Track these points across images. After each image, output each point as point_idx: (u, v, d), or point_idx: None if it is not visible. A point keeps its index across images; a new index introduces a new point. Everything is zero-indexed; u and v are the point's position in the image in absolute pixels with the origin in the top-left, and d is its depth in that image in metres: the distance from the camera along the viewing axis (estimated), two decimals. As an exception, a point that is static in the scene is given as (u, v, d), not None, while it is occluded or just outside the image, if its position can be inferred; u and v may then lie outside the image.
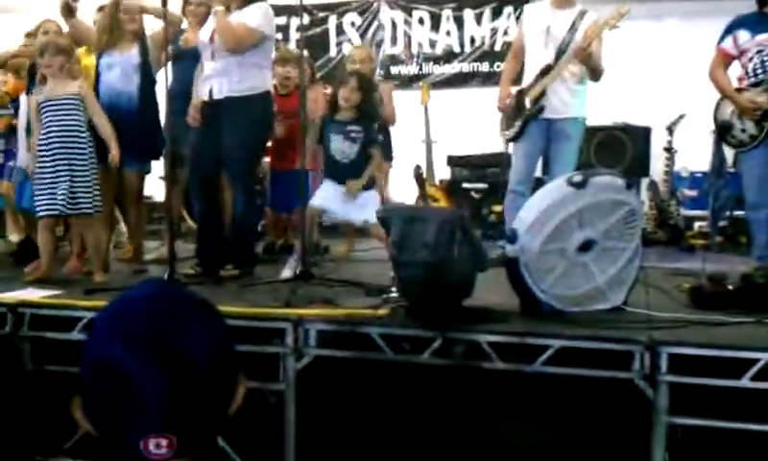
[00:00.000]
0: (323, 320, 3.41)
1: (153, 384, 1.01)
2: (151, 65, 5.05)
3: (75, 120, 4.44)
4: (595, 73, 4.88)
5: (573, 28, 4.84)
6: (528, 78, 5.02)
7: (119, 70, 4.97)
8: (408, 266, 3.42)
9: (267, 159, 5.81)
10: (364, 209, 4.70)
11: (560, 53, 4.85)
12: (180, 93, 4.75)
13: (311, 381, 3.40)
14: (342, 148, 4.81)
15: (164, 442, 1.02)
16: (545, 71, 4.89)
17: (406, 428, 3.34)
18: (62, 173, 4.33)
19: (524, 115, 4.97)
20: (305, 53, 5.18)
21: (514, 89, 5.12)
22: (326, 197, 4.85)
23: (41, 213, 4.42)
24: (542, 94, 4.89)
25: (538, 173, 5.33)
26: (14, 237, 5.87)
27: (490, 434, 3.28)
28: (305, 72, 4.99)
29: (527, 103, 4.95)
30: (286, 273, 4.44)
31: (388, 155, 6.16)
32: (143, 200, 5.38)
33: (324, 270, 4.57)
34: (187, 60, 4.95)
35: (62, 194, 4.31)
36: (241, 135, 4.56)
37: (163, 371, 1.01)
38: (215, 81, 4.55)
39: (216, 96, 4.55)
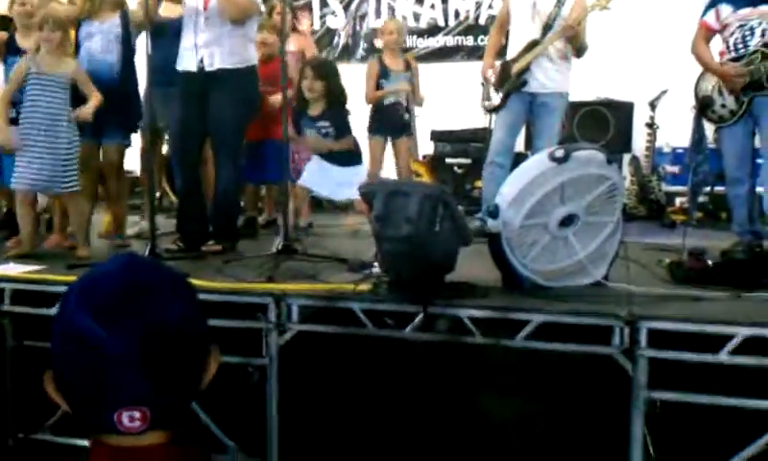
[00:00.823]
0: (305, 295, 3.42)
1: (124, 355, 1.00)
2: (131, 36, 4.99)
3: (62, 99, 4.39)
4: (580, 51, 4.92)
5: (560, 2, 4.85)
6: (513, 50, 5.02)
7: (99, 39, 4.90)
8: (390, 241, 3.42)
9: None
10: (348, 187, 4.69)
11: (546, 28, 4.87)
12: (161, 66, 4.69)
13: (294, 356, 3.41)
14: (314, 142, 4.82)
15: (137, 414, 1.03)
16: (531, 46, 4.89)
17: (388, 404, 3.36)
18: (43, 149, 4.29)
19: (507, 87, 4.98)
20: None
21: (498, 62, 5.12)
22: (312, 176, 4.84)
23: (14, 185, 4.40)
24: (527, 68, 4.88)
25: (519, 148, 5.33)
26: None
27: (471, 409, 3.30)
28: (288, 21, 5.01)
29: (511, 75, 4.94)
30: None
31: (409, 130, 6.19)
32: (124, 173, 5.33)
33: (306, 245, 4.56)
34: (169, 33, 4.88)
35: (38, 169, 4.28)
36: (232, 109, 4.54)
37: (133, 341, 1.01)
38: (205, 51, 4.49)
39: (207, 68, 4.50)
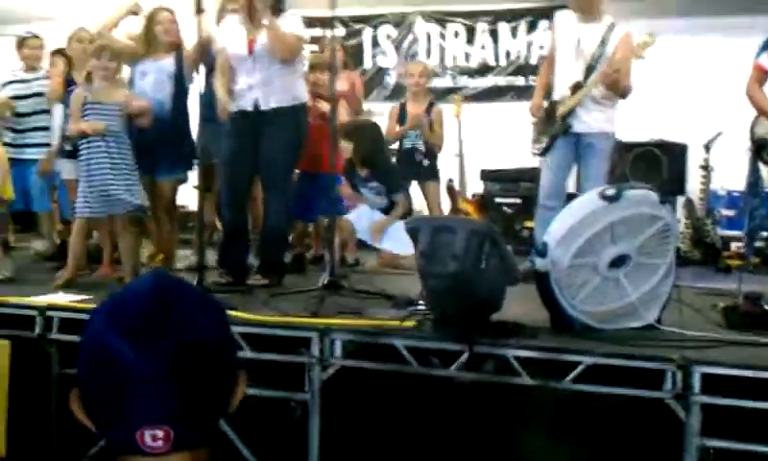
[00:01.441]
0: (348, 330, 3.39)
1: (149, 373, 0.99)
2: (185, 75, 5.09)
3: (119, 126, 4.51)
4: (624, 94, 4.85)
5: (603, 43, 4.80)
6: (558, 90, 4.97)
7: (152, 78, 5.03)
8: (436, 277, 3.38)
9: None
10: (393, 241, 4.75)
11: (589, 69, 4.81)
12: (214, 104, 4.77)
13: (336, 392, 3.38)
14: (372, 200, 4.88)
15: (160, 434, 1.00)
16: (575, 88, 4.85)
17: (431, 443, 3.29)
18: (101, 176, 4.40)
19: (552, 131, 4.94)
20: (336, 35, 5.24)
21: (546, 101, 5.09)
22: (358, 219, 4.88)
23: (77, 214, 4.53)
24: (571, 111, 4.85)
25: (572, 188, 5.26)
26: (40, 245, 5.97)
27: (516, 451, 3.22)
28: (339, 57, 5.18)
29: (556, 118, 4.92)
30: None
31: (435, 176, 6.24)
32: (176, 209, 5.41)
33: (353, 281, 4.54)
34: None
35: (99, 195, 4.41)
36: (285, 145, 4.61)
37: (159, 360, 1.00)
38: (259, 92, 4.56)
39: (262, 108, 4.57)
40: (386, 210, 5.01)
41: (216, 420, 1.09)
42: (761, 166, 4.82)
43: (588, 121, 4.86)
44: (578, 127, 4.88)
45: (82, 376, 1.05)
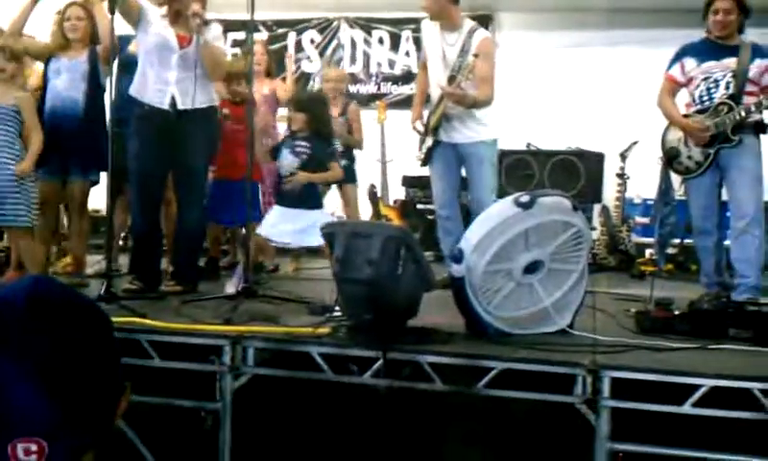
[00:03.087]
0: (261, 338, 3.32)
1: (21, 383, 0.94)
2: (99, 73, 4.94)
3: (6, 132, 4.33)
4: (473, 106, 4.68)
5: (464, 50, 4.67)
6: (433, 100, 4.93)
7: (66, 76, 4.89)
8: (351, 283, 3.35)
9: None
10: (310, 235, 4.63)
11: (451, 79, 4.69)
12: (129, 104, 4.63)
13: (249, 401, 3.30)
14: (286, 162, 4.77)
15: (34, 447, 0.95)
16: (440, 100, 4.78)
17: (346, 451, 3.25)
18: None
19: (426, 144, 4.89)
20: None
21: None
22: (274, 224, 4.77)
23: None
24: (440, 121, 4.76)
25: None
26: None
27: (431, 457, 3.20)
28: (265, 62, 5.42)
29: (428, 134, 4.87)
30: (229, 289, 4.33)
31: (352, 178, 6.14)
32: (87, 211, 5.23)
33: (268, 288, 4.46)
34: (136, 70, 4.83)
35: None
36: (201, 147, 4.52)
37: (32, 368, 0.95)
38: (177, 90, 4.43)
39: (180, 106, 4.44)
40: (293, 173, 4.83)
41: (96, 433, 1.03)
42: (672, 175, 4.93)
43: (464, 131, 4.76)
44: (454, 137, 4.79)
45: None
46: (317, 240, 4.65)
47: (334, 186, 6.00)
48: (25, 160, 4.40)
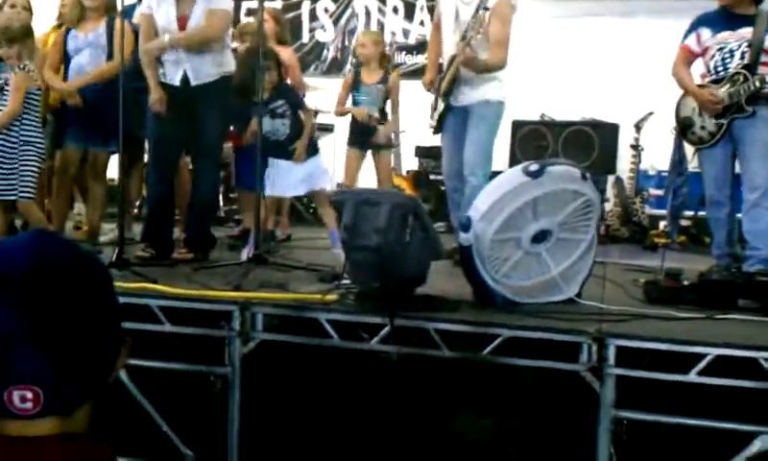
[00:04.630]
0: (270, 304, 3.35)
1: (18, 331, 0.96)
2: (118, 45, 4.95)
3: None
4: (485, 70, 4.52)
5: (478, 10, 4.46)
6: (444, 61, 4.76)
7: (87, 51, 4.95)
8: (359, 250, 3.37)
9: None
10: (309, 180, 4.69)
11: (464, 40, 4.49)
12: (137, 73, 4.65)
13: (258, 366, 3.34)
14: (275, 127, 4.75)
15: (29, 395, 0.97)
16: (450, 61, 4.62)
17: (353, 416, 3.29)
18: None
19: (438, 111, 4.76)
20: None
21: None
22: (273, 183, 4.78)
23: None
24: (452, 85, 4.62)
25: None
26: None
27: (436, 422, 3.23)
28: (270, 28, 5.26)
29: (439, 99, 4.73)
30: (243, 257, 4.37)
31: (389, 144, 6.08)
32: (105, 180, 5.29)
33: (279, 256, 4.50)
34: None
35: None
36: (215, 118, 4.54)
37: (30, 318, 0.96)
38: (188, 66, 4.46)
39: (193, 82, 4.48)
40: (292, 136, 4.81)
41: (93, 386, 1.05)
42: (686, 146, 4.89)
43: (471, 93, 4.59)
44: (462, 100, 4.63)
45: None
46: (324, 182, 4.73)
47: (370, 154, 5.93)
48: None
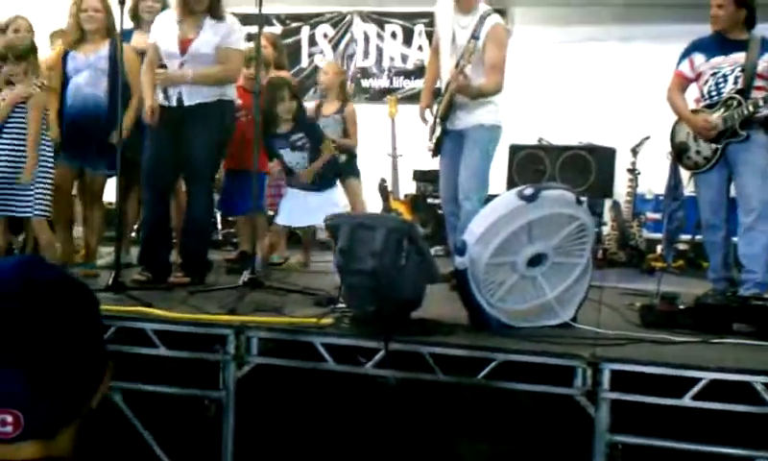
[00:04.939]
0: (265, 328, 3.35)
1: None
2: (119, 67, 4.96)
3: (20, 124, 4.40)
4: (478, 96, 4.52)
5: (474, 36, 4.49)
6: (442, 85, 4.77)
7: (87, 73, 4.91)
8: (354, 274, 3.37)
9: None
10: (324, 211, 4.70)
11: (458, 65, 4.51)
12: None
13: (252, 390, 3.34)
14: (295, 159, 4.80)
15: (9, 418, 0.98)
16: (447, 86, 4.63)
17: (347, 441, 3.28)
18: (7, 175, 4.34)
19: (436, 135, 4.76)
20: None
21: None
22: (290, 210, 4.82)
23: None
24: (448, 109, 4.62)
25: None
26: None
27: (431, 446, 3.23)
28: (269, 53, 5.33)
29: (436, 123, 4.74)
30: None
31: (355, 172, 6.04)
32: (102, 203, 5.30)
33: (275, 279, 4.50)
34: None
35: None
36: (208, 140, 4.52)
37: (10, 340, 0.97)
38: (183, 88, 4.47)
39: (187, 103, 4.48)
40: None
41: (75, 409, 1.05)
42: (682, 171, 4.92)
43: (466, 117, 4.59)
44: (458, 124, 4.63)
45: None
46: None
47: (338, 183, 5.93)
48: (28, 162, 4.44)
